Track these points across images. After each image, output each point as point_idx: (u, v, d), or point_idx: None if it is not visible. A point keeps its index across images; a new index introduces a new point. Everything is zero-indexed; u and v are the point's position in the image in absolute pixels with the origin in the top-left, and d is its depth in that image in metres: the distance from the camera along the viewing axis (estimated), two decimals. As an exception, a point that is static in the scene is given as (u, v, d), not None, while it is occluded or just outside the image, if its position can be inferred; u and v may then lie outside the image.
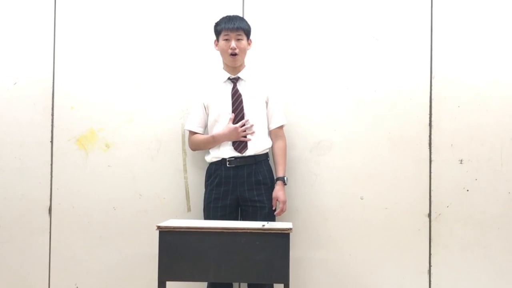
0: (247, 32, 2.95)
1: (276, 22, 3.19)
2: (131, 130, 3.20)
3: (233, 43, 2.90)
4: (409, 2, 3.17)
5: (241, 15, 3.14)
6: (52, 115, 3.23)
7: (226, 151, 2.93)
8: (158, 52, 3.22)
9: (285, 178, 2.95)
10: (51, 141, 3.23)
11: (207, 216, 2.96)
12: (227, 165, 2.92)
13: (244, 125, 2.92)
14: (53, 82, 3.24)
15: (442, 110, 3.14)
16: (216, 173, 2.94)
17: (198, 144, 3.03)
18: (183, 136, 3.19)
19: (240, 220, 2.96)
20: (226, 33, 2.91)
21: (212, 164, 2.98)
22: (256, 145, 2.94)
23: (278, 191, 2.92)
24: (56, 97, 3.23)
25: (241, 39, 2.92)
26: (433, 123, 3.14)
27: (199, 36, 3.19)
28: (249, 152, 2.92)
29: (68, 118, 3.22)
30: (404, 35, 3.16)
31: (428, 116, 3.15)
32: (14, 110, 3.24)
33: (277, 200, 2.92)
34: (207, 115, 3.02)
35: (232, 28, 2.90)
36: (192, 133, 3.05)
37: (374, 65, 3.17)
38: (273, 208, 2.91)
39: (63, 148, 3.22)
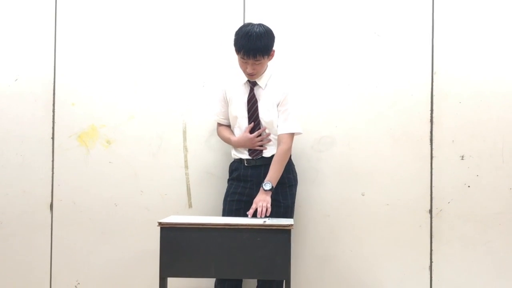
0: (268, 53, 2.80)
1: (276, 17, 3.17)
2: (133, 127, 3.21)
3: (249, 69, 2.80)
4: (410, -2, 3.17)
5: (241, 12, 3.13)
6: (53, 111, 3.23)
7: (244, 153, 2.94)
8: (159, 49, 3.21)
9: (265, 184, 2.80)
10: (52, 138, 3.23)
11: (223, 209, 2.97)
12: (245, 164, 2.93)
13: (260, 135, 2.91)
14: (54, 79, 3.24)
15: (443, 106, 3.14)
16: (237, 170, 2.96)
17: (222, 138, 3.06)
18: (184, 132, 3.19)
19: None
20: (243, 57, 2.79)
21: (234, 161, 3.00)
22: (272, 150, 2.92)
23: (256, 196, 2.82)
24: (57, 93, 3.24)
25: (260, 63, 2.80)
26: (434, 119, 3.14)
27: (201, 33, 3.19)
28: (265, 154, 2.92)
29: (69, 114, 3.22)
30: (405, 31, 3.16)
31: (429, 112, 3.14)
32: (15, 106, 3.24)
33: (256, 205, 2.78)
34: (228, 106, 3.00)
35: (249, 56, 2.75)
36: (219, 123, 3.07)
37: (375, 61, 3.16)
38: (250, 216, 2.76)
39: (64, 144, 3.22)
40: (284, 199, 2.90)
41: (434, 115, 3.14)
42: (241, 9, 3.18)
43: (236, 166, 2.98)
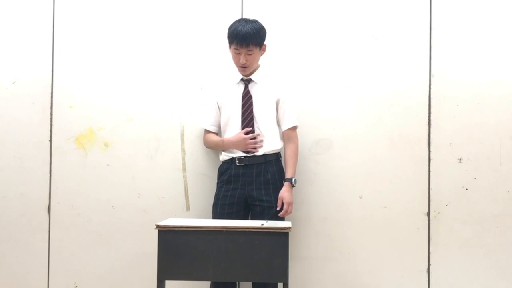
0: (259, 43, 2.90)
1: (274, 21, 3.17)
2: (130, 129, 3.20)
3: (242, 59, 2.88)
4: (408, 0, 3.17)
5: (239, 15, 3.14)
6: (51, 114, 3.23)
7: (236, 152, 2.95)
8: (157, 51, 3.21)
9: (293, 179, 2.93)
10: (50, 140, 3.22)
11: (214, 213, 2.97)
12: (237, 164, 2.93)
13: (254, 138, 2.92)
14: (52, 81, 3.23)
15: (441, 109, 3.14)
16: (227, 172, 2.96)
17: (210, 144, 3.08)
18: (182, 135, 3.19)
19: (250, 219, 2.96)
20: (236, 47, 2.88)
21: (224, 163, 3.00)
22: (266, 147, 2.94)
23: (284, 192, 2.91)
24: (55, 96, 3.23)
25: (252, 53, 2.88)
26: (432, 122, 3.14)
27: (199, 34, 3.20)
28: (258, 152, 2.93)
29: (67, 117, 3.22)
30: (403, 34, 3.16)
31: (427, 115, 3.15)
32: (13, 109, 3.23)
33: (282, 200, 2.90)
34: (220, 114, 3.03)
35: (241, 44, 2.85)
36: (206, 131, 3.08)
37: (373, 64, 3.17)
38: (278, 209, 2.89)
39: (62, 147, 3.21)
40: (276, 199, 2.91)
41: (432, 117, 3.15)
42: (239, 13, 3.18)
43: (226, 167, 2.98)
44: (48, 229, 3.21)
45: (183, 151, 3.19)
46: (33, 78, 3.23)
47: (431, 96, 3.15)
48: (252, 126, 2.94)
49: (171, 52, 3.21)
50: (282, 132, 3.00)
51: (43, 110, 3.23)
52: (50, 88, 3.23)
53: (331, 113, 3.17)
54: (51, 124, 3.23)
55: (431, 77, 3.15)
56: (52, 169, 3.22)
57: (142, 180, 3.19)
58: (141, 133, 3.20)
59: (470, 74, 3.14)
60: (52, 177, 3.22)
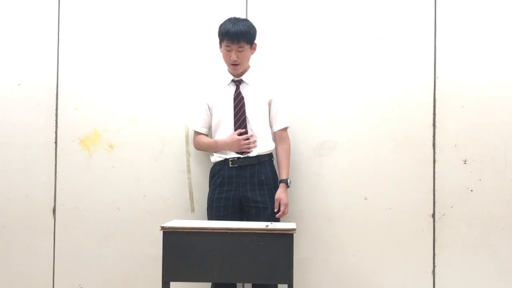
0: (250, 41, 2.91)
1: (279, 22, 3.19)
2: (135, 131, 3.21)
3: (233, 55, 2.89)
4: (412, 2, 3.16)
5: (244, 16, 3.14)
6: (56, 116, 3.24)
7: (229, 153, 2.95)
8: (162, 53, 3.22)
9: (288, 180, 2.94)
10: (55, 142, 3.23)
11: (210, 215, 2.97)
12: (230, 165, 2.93)
13: (248, 139, 2.92)
14: (57, 83, 3.24)
15: (446, 110, 3.13)
16: (220, 173, 2.95)
17: (201, 145, 3.07)
18: (187, 137, 3.19)
19: (244, 220, 2.96)
20: (227, 44, 2.89)
21: (216, 164, 2.99)
22: (259, 148, 2.94)
23: (280, 193, 2.91)
24: (60, 98, 3.24)
25: (243, 50, 2.89)
26: (437, 124, 3.14)
27: (203, 36, 3.20)
28: (252, 153, 2.93)
29: (72, 119, 3.23)
30: (407, 35, 3.16)
31: (432, 116, 3.14)
32: (18, 111, 3.24)
33: (279, 202, 2.90)
34: (211, 115, 3.02)
35: (233, 40, 2.86)
36: (197, 133, 3.07)
37: (377, 65, 3.16)
38: (275, 210, 2.90)
39: (67, 149, 3.22)
40: (271, 200, 2.91)
41: (436, 119, 3.14)
42: (243, 14, 3.18)
43: (218, 169, 2.97)
44: (53, 231, 3.22)
45: (188, 152, 3.20)
46: (38, 80, 3.25)
47: (436, 97, 3.14)
48: (245, 127, 2.94)
49: (176, 54, 3.21)
50: (274, 132, 3.00)
51: (48, 112, 3.24)
52: (55, 90, 3.24)
53: (335, 114, 3.17)
54: (56, 126, 3.24)
55: (436, 79, 3.15)
56: (57, 170, 3.23)
57: (146, 182, 3.20)
58: (145, 135, 3.20)
59: (474, 75, 3.13)
60: (57, 179, 3.23)
